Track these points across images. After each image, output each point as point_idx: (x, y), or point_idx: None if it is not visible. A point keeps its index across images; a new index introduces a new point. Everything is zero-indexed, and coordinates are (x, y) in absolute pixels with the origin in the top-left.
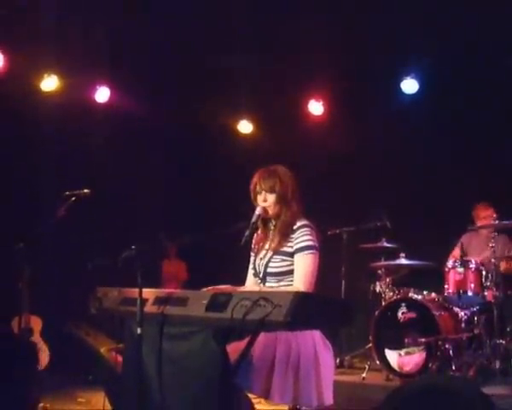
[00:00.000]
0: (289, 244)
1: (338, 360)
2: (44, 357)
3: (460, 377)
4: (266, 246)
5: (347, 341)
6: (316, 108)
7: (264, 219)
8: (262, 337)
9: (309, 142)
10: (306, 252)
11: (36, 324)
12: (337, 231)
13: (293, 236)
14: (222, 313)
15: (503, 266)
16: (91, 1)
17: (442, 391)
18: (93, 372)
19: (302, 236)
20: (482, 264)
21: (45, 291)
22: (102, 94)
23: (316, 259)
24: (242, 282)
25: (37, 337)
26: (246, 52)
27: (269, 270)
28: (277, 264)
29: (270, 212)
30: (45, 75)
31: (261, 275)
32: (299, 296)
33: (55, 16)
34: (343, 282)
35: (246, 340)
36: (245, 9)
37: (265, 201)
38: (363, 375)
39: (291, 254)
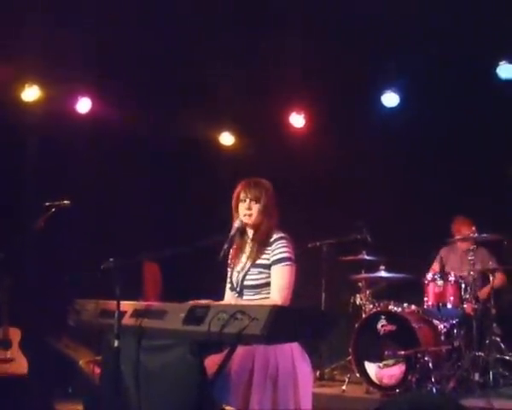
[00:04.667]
0: (266, 256)
1: (318, 373)
2: (23, 369)
3: (437, 393)
4: (242, 258)
5: (328, 353)
6: (297, 120)
7: (242, 231)
8: (240, 350)
9: (290, 154)
10: (283, 264)
11: (15, 335)
12: (317, 244)
13: (269, 248)
14: (199, 326)
15: (496, 280)
16: (74, 11)
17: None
18: (72, 385)
19: (279, 248)
20: (461, 277)
21: (24, 303)
22: (84, 105)
23: (292, 271)
24: (219, 295)
25: (15, 349)
26: (228, 64)
27: (246, 283)
28: (254, 276)
29: (250, 221)
30: (26, 85)
31: (238, 288)
32: (276, 310)
33: (36, 26)
34: (323, 294)
35: (223, 353)
36: (227, 22)
37: (249, 209)
38: (344, 387)
39: (268, 267)
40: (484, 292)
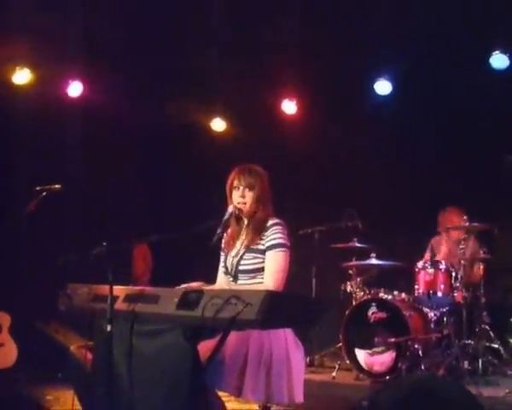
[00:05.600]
0: (261, 242)
1: (308, 359)
2: (13, 354)
3: (447, 379)
4: (237, 244)
5: (318, 340)
6: (289, 107)
7: (237, 217)
8: (234, 336)
9: (282, 141)
10: (277, 250)
11: (4, 320)
12: (308, 231)
13: (265, 233)
14: (193, 311)
15: (470, 274)
16: None
17: (430, 394)
18: (62, 370)
19: (274, 233)
20: (452, 265)
21: (14, 287)
22: (75, 88)
23: (287, 257)
24: (212, 281)
25: (5, 334)
26: (219, 50)
27: (240, 267)
28: (249, 261)
29: (245, 209)
30: (17, 68)
31: (233, 273)
32: (270, 295)
33: (27, 8)
34: (314, 281)
35: (217, 338)
36: (219, 8)
37: (243, 197)
38: (333, 374)
39: (263, 252)
40: (476, 274)
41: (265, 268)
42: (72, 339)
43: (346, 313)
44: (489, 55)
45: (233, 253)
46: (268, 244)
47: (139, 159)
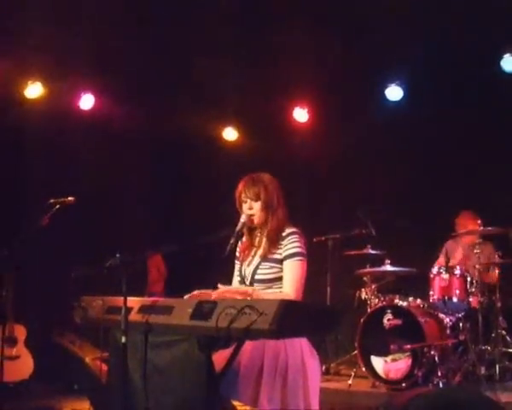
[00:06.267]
0: (278, 251)
1: (324, 367)
2: (29, 366)
3: (476, 391)
4: (253, 253)
5: (333, 348)
6: (301, 115)
7: (250, 227)
8: (250, 345)
9: (294, 149)
10: (295, 259)
11: (20, 333)
12: (322, 238)
13: (282, 242)
14: (207, 321)
15: (486, 276)
16: (76, 7)
17: (457, 407)
18: (78, 381)
19: (291, 243)
20: (467, 270)
21: (30, 300)
22: (87, 101)
23: (304, 266)
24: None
25: (21, 346)
26: (231, 59)
27: (257, 277)
28: (266, 271)
29: (256, 220)
30: (29, 82)
31: (248, 282)
32: (284, 304)
33: (39, 22)
34: (328, 289)
35: (231, 348)
36: (230, 16)
37: (251, 209)
38: (349, 382)
39: (280, 261)
40: (491, 276)
41: (284, 278)
42: (87, 351)
43: (362, 320)
44: (500, 58)
45: (248, 262)
46: (285, 254)
47: (152, 170)
